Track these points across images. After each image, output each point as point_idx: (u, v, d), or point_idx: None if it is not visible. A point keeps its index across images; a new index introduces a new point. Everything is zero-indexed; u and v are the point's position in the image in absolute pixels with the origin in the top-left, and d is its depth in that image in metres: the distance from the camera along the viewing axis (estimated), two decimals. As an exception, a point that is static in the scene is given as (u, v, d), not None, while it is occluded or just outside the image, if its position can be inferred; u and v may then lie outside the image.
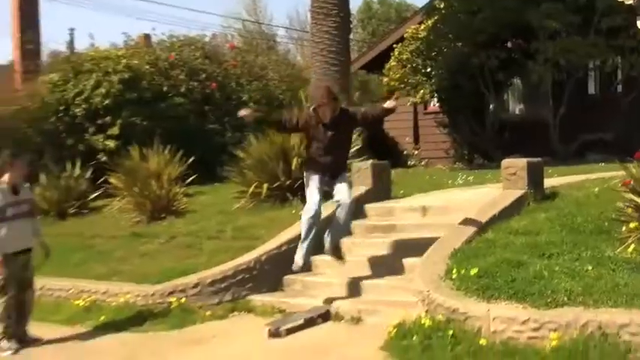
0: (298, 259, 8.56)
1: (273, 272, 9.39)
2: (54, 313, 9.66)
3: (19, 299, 8.38)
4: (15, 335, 8.32)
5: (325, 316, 8.19)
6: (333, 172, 8.55)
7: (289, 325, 7.89)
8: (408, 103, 18.41)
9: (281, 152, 12.12)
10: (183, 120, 16.78)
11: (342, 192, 8.56)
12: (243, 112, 8.84)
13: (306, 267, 8.74)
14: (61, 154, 16.09)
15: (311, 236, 8.51)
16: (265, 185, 11.87)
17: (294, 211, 11.09)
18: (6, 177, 8.36)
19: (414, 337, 6.79)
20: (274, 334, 7.76)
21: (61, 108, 16.47)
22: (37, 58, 20.54)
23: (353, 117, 8.79)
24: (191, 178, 14.12)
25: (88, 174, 15.32)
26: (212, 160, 15.26)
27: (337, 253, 8.90)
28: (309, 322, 8.02)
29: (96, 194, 15.19)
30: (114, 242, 12.03)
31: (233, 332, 8.24)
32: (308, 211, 8.49)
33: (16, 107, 16.51)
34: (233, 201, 12.48)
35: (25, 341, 8.37)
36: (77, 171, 15.28)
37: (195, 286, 9.13)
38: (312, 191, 8.50)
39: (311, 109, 8.64)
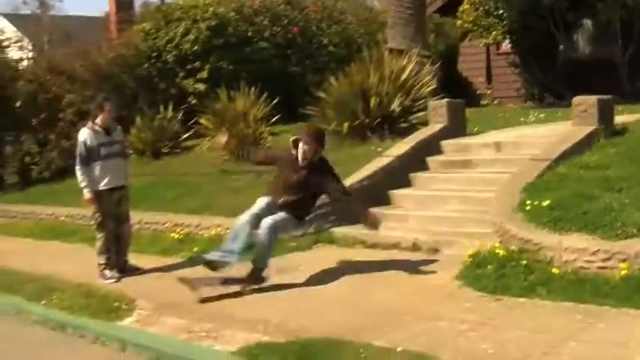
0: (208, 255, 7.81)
1: (356, 206, 9.43)
2: (151, 245, 9.97)
3: (116, 233, 8.64)
4: (116, 266, 8.61)
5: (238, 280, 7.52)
6: (288, 208, 7.65)
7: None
8: (481, 45, 18.08)
9: (360, 92, 12.14)
10: (267, 63, 16.90)
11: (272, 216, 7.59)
12: (222, 139, 9.34)
13: (212, 267, 7.50)
14: (154, 98, 16.41)
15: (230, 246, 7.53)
16: (346, 124, 11.91)
17: (373, 148, 11.14)
18: (99, 119, 8.54)
19: (489, 267, 6.82)
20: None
21: (154, 55, 16.78)
22: (131, 9, 20.79)
23: (327, 171, 7.86)
24: (275, 118, 14.23)
25: (180, 116, 15.61)
26: (294, 101, 15.34)
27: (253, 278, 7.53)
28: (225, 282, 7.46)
29: (187, 135, 15.50)
30: (205, 179, 12.29)
31: (316, 262, 8.32)
32: (236, 221, 7.77)
33: (113, 55, 16.81)
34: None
35: (125, 271, 8.64)
36: (169, 113, 15.57)
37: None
38: (253, 207, 7.76)
39: (292, 145, 7.85)
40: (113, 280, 8.34)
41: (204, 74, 16.13)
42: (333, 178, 7.83)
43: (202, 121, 14.56)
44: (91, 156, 8.39)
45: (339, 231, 9.21)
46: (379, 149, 11.03)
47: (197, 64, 16.34)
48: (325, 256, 8.58)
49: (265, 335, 5.94)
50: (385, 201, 9.69)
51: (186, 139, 15.51)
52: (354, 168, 10.31)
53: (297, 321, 6.26)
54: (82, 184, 8.50)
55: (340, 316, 6.28)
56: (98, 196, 8.48)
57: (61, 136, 15.88)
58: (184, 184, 12.34)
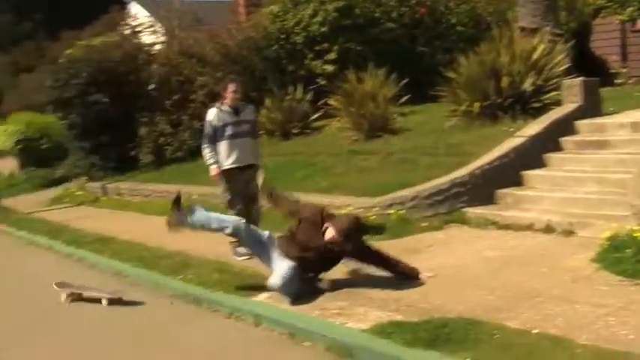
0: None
1: (485, 186, 9.35)
2: (283, 224, 10.06)
3: (245, 213, 8.58)
4: None
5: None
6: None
7: None
8: (616, 21, 17.40)
9: (491, 71, 11.89)
10: (395, 44, 16.80)
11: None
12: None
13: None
14: (283, 79, 16.61)
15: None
16: (477, 104, 11.74)
17: (504, 129, 10.93)
18: (227, 99, 8.66)
19: (627, 250, 6.56)
20: None
21: (282, 36, 16.93)
22: (259, -8, 21.10)
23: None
24: (404, 98, 14.14)
25: (309, 97, 15.73)
26: (423, 81, 15.20)
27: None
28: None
29: (316, 115, 15.63)
30: (334, 159, 12.38)
31: (448, 242, 8.30)
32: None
33: (242, 38, 17.11)
34: (445, 119, 12.46)
35: None
36: (299, 94, 15.73)
37: (413, 198, 9.26)
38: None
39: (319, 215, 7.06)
40: (245, 257, 8.39)
41: (332, 55, 16.19)
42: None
43: (331, 101, 14.65)
44: (216, 135, 8.54)
45: (472, 211, 9.12)
46: (511, 129, 10.79)
47: (325, 45, 16.40)
48: (457, 237, 8.52)
49: (398, 314, 5.94)
50: (518, 182, 9.51)
51: (315, 120, 15.64)
52: (485, 149, 10.17)
53: (429, 300, 6.22)
54: (209, 161, 8.67)
55: (473, 296, 6.21)
56: (225, 175, 8.64)
57: (193, 117, 16.35)
58: (314, 164, 12.47)
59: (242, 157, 8.64)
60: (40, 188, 22.15)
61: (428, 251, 8.02)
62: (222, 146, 8.57)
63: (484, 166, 9.44)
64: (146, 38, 19.78)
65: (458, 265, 7.30)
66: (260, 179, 8.87)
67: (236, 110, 8.66)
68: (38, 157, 24.23)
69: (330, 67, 16.06)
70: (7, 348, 6.75)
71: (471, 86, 12.06)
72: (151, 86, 17.51)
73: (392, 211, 9.25)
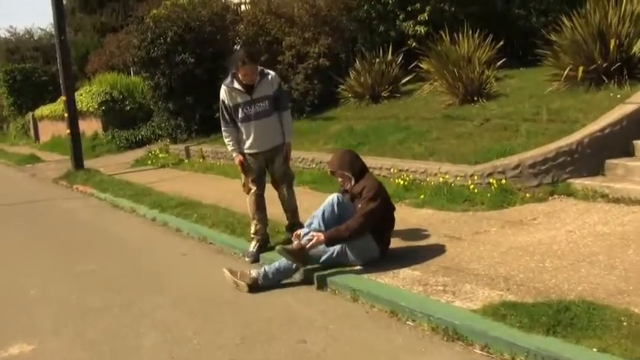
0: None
1: (594, 156, 8.72)
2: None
3: (262, 197, 7.88)
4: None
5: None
6: None
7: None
8: None
9: (598, 33, 11.14)
10: (489, 5, 16.01)
11: None
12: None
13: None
14: (373, 41, 16.07)
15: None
16: (580, 68, 11.02)
17: (611, 94, 10.27)
18: (239, 75, 7.44)
19: None
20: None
21: (373, -5, 16.32)
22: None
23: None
24: (500, 62, 13.47)
25: (400, 59, 15.17)
26: (517, 45, 14.47)
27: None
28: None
29: (407, 79, 15.08)
30: (428, 124, 11.85)
31: (554, 215, 7.73)
32: None
33: (332, -3, 16.58)
34: (545, 84, 11.79)
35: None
36: (389, 56, 15.18)
37: (516, 167, 8.68)
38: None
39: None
40: (248, 259, 7.72)
41: (424, 16, 15.51)
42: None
43: (423, 64, 14.11)
44: (231, 117, 7.58)
45: (578, 182, 8.50)
46: (618, 96, 10.11)
47: (417, 5, 15.70)
48: (563, 209, 7.93)
49: (509, 293, 5.45)
50: (629, 152, 8.86)
51: (405, 83, 15.09)
52: (591, 116, 9.57)
53: (542, 279, 5.71)
54: (229, 148, 7.78)
55: (590, 276, 5.66)
56: (245, 159, 7.72)
57: (281, 78, 15.91)
58: (407, 129, 11.97)
59: (260, 141, 7.61)
60: (123, 150, 22.26)
61: (532, 224, 7.48)
62: (239, 129, 7.62)
63: (593, 134, 8.79)
64: (233, -1, 19.50)
65: (567, 240, 6.74)
66: (282, 166, 7.87)
67: (249, 87, 7.45)
68: (122, 118, 24.29)
69: (421, 29, 15.39)
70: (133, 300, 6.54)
71: (574, 49, 11.33)
72: (238, 46, 17.17)
73: (492, 180, 8.71)
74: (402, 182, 9.58)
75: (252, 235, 7.86)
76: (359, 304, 5.97)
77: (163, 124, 19.77)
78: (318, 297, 6.32)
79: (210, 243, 8.79)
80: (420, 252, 6.88)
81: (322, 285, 6.47)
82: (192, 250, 8.57)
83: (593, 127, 8.92)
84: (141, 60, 18.51)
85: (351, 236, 6.39)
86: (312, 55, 15.86)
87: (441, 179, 9.25)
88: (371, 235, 6.51)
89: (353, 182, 6.75)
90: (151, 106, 20.72)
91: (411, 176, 9.74)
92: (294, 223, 7.96)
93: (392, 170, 10.05)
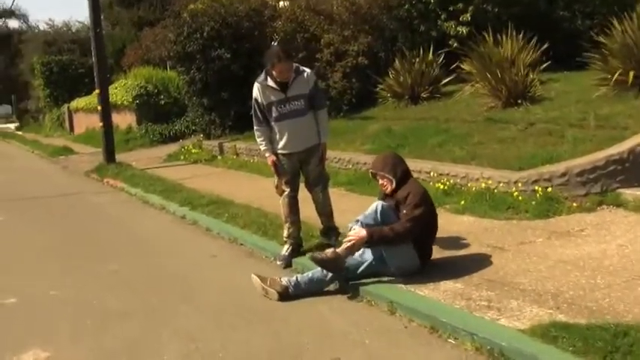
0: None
1: (646, 165, 8.29)
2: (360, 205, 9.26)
3: (295, 200, 7.51)
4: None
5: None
6: None
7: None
8: None
9: (650, 38, 10.70)
10: (533, 7, 15.54)
11: None
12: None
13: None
14: (414, 40, 15.68)
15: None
16: (631, 73, 10.56)
17: (664, 101, 9.81)
18: (274, 72, 7.06)
19: None
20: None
21: (415, -6, 15.91)
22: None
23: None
24: (545, 65, 13.02)
25: (441, 59, 14.77)
26: (561, 48, 13.98)
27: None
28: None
29: (448, 79, 14.68)
30: (469, 126, 11.45)
31: (604, 227, 7.29)
32: None
33: (373, -6, 16.20)
34: (592, 89, 11.34)
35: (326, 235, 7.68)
36: (430, 56, 14.78)
37: (563, 175, 8.25)
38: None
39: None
40: (280, 263, 7.39)
41: (467, 16, 15.06)
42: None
43: (464, 65, 13.70)
44: (265, 115, 7.20)
45: (629, 193, 8.05)
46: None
47: (460, 5, 15.27)
48: (613, 221, 7.49)
49: (559, 312, 5.05)
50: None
51: (446, 84, 14.69)
52: (645, 123, 9.11)
53: (594, 297, 5.30)
54: (261, 148, 7.40)
55: (647, 295, 5.26)
56: (279, 160, 7.36)
57: (318, 77, 15.57)
58: (447, 131, 11.57)
59: (294, 141, 7.23)
60: (157, 144, 22.11)
61: (580, 236, 7.07)
62: (273, 128, 7.24)
63: (647, 145, 8.34)
64: (271, -6, 19.20)
65: (619, 255, 6.31)
66: (317, 167, 7.48)
67: (284, 85, 7.08)
68: (156, 113, 24.15)
69: (463, 29, 14.96)
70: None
71: (625, 53, 10.88)
72: (275, 43, 16.84)
73: (538, 188, 8.28)
74: (441, 186, 9.20)
75: (285, 239, 7.52)
76: (396, 318, 5.60)
77: (197, 120, 19.55)
78: (352, 308, 5.94)
79: (241, 244, 8.48)
80: (462, 263, 6.50)
81: (357, 295, 6.10)
82: (221, 252, 8.26)
83: (647, 138, 8.47)
84: (177, 54, 18.29)
85: (394, 238, 6.01)
86: (351, 53, 15.50)
87: (483, 185, 8.85)
88: (412, 245, 6.13)
89: (394, 185, 6.37)
90: (186, 101, 20.51)
91: (451, 181, 9.36)
92: (330, 228, 7.61)
93: (431, 174, 9.67)
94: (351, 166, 11.70)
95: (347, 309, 5.91)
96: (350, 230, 6.22)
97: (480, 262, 6.45)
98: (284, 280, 6.31)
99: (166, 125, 22.94)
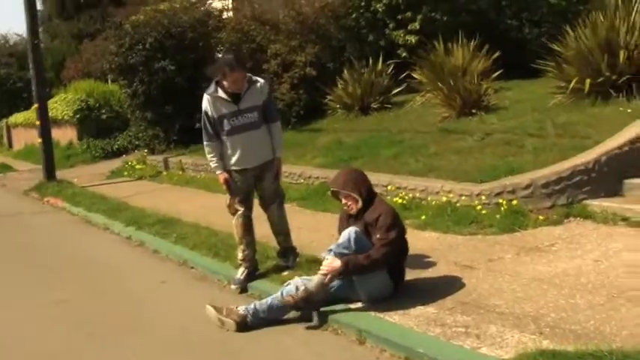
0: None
1: (611, 175, 7.99)
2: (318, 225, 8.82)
3: (249, 218, 6.95)
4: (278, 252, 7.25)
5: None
6: None
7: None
8: None
9: (605, 44, 10.44)
10: (482, 15, 15.31)
11: None
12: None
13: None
14: (362, 50, 15.31)
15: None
16: (588, 80, 10.29)
17: (621, 109, 9.63)
18: (225, 83, 6.56)
19: None
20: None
21: (362, 4, 15.48)
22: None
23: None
24: (497, 73, 12.73)
25: (390, 69, 14.40)
26: (510, 56, 13.72)
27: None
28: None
29: (398, 89, 14.31)
30: (424, 137, 11.06)
31: (574, 241, 6.94)
32: None
33: (320, 5, 15.72)
34: (546, 97, 11.10)
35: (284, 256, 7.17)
36: (379, 66, 14.40)
37: (527, 187, 7.88)
38: None
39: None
40: (234, 287, 6.85)
41: (415, 25, 14.76)
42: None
43: (415, 74, 13.38)
44: (215, 129, 6.66)
45: (596, 204, 7.74)
46: (629, 110, 9.45)
47: (408, 14, 14.97)
48: (582, 234, 7.15)
49: (542, 337, 4.65)
50: (650, 171, 8.11)
51: (396, 94, 14.31)
52: (603, 131, 8.85)
53: (577, 319, 4.92)
54: (212, 165, 6.88)
55: (633, 317, 4.87)
56: (231, 177, 6.81)
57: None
58: (401, 142, 11.16)
59: (248, 156, 6.70)
60: (99, 160, 21.32)
61: (551, 251, 6.71)
62: (224, 143, 6.70)
63: (611, 152, 8.05)
64: (216, 3, 18.61)
65: (595, 271, 5.96)
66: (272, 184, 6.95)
67: (236, 97, 6.57)
68: (98, 127, 23.36)
69: (412, 38, 14.65)
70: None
71: (581, 61, 10.62)
72: (220, 54, 16.30)
73: (501, 201, 7.92)
74: (400, 201, 8.77)
75: (240, 262, 6.98)
76: (367, 348, 5.13)
77: (141, 134, 18.85)
78: (317, 338, 5.45)
79: (192, 267, 7.93)
80: (431, 284, 6.07)
81: (322, 323, 5.61)
82: (172, 276, 7.69)
83: (611, 144, 8.17)
84: (118, 67, 17.59)
85: (370, 266, 5.52)
86: (299, 64, 15.03)
87: (443, 198, 8.46)
88: (385, 270, 5.66)
89: (360, 204, 5.88)
90: (129, 115, 19.80)
91: (410, 194, 8.95)
92: (287, 248, 7.11)
93: (388, 187, 9.23)
94: (302, 181, 11.23)
95: (311, 340, 5.42)
96: (323, 261, 5.69)
97: (450, 282, 6.04)
98: (241, 309, 5.79)
99: (109, 140, 22.18)
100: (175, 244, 8.74)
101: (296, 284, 5.72)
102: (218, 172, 6.86)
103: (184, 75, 16.72)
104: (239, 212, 6.89)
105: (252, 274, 6.91)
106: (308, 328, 5.63)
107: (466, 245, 7.20)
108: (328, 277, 5.53)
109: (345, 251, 5.57)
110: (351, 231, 5.65)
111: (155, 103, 17.11)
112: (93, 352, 5.69)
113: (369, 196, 5.92)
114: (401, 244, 5.80)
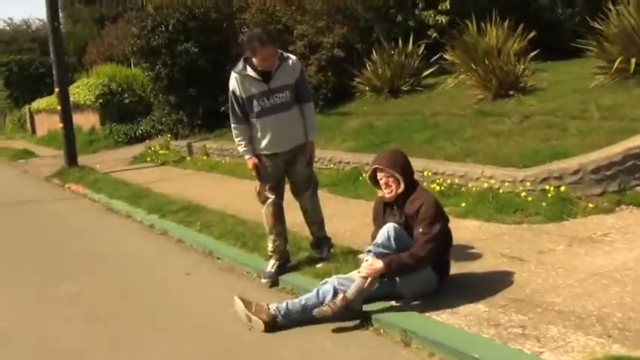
0: None
1: (666, 160, 7.41)
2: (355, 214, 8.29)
3: (280, 207, 6.46)
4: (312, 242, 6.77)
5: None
6: None
7: None
8: None
9: (653, 21, 9.86)
10: (513, -5, 14.69)
11: None
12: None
13: None
14: (390, 31, 14.71)
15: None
16: (633, 60, 9.70)
17: (673, 90, 9.00)
18: (256, 62, 6.01)
19: None
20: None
21: (391, -18, 14.95)
22: None
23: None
24: (533, 53, 12.09)
25: (421, 50, 13.83)
26: (544, 36, 13.09)
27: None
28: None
29: (429, 71, 13.74)
30: (459, 120, 10.52)
31: (629, 231, 6.39)
32: None
33: (347, -16, 15.21)
34: (586, 78, 10.47)
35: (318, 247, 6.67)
36: (409, 47, 13.82)
37: (575, 172, 7.33)
38: None
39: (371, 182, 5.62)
40: (265, 281, 6.37)
41: (446, 4, 14.15)
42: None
43: (447, 56, 12.81)
44: (244, 111, 6.17)
45: (651, 191, 7.19)
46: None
47: (439, -7, 14.40)
48: (638, 222, 6.62)
49: (611, 340, 4.15)
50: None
51: (427, 77, 13.75)
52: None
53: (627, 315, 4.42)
54: (240, 149, 6.35)
55: None
56: (259, 161, 6.31)
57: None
58: (435, 126, 10.62)
59: (279, 140, 6.18)
60: (121, 145, 20.90)
61: (605, 242, 6.17)
62: (254, 125, 6.20)
63: (669, 139, 7.48)
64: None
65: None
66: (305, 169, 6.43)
67: (266, 75, 6.03)
68: (120, 112, 22.92)
69: (443, 18, 14.05)
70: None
71: (625, 39, 10.02)
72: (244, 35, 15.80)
73: (548, 187, 7.37)
74: (437, 187, 8.25)
75: (270, 253, 6.49)
76: (412, 350, 4.62)
77: (164, 119, 18.42)
78: (358, 339, 4.93)
79: (218, 258, 7.46)
80: (478, 278, 5.57)
81: (362, 323, 5.08)
82: (196, 268, 7.21)
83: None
84: (140, 49, 17.14)
85: (416, 265, 5.01)
86: (326, 45, 14.50)
87: (484, 185, 7.92)
88: (430, 265, 5.16)
89: (402, 189, 5.35)
90: (151, 99, 19.36)
91: (448, 181, 8.42)
92: (321, 238, 6.62)
93: (424, 173, 8.70)
94: (332, 166, 10.74)
95: (352, 341, 4.90)
96: (362, 263, 5.16)
97: (500, 276, 5.53)
98: (272, 308, 5.27)
99: (131, 125, 21.74)
100: (200, 232, 8.28)
101: (334, 285, 5.21)
102: (247, 156, 6.35)
103: (208, 57, 16.24)
104: (269, 200, 6.38)
105: (284, 267, 6.43)
106: (346, 328, 5.10)
107: (512, 235, 6.68)
108: (369, 280, 5.00)
109: (386, 251, 5.03)
110: (389, 228, 5.11)
111: (178, 86, 16.66)
112: (110, 351, 5.23)
113: (412, 182, 5.40)
114: (445, 236, 5.28)
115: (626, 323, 4.38)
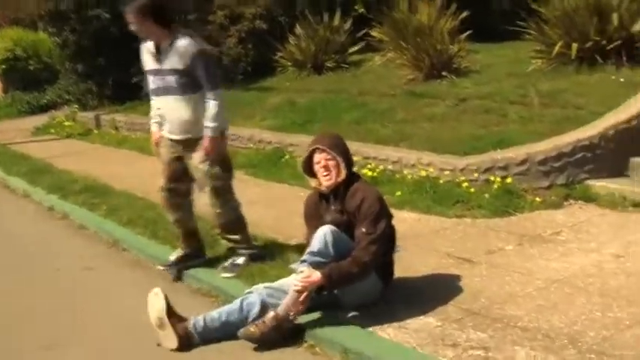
0: None
1: (617, 153, 6.90)
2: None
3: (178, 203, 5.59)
4: None
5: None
6: None
7: None
8: None
9: (595, 6, 9.33)
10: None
11: None
12: None
13: None
14: (315, 3, 13.89)
15: None
16: (575, 45, 9.17)
17: (613, 77, 8.59)
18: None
19: None
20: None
21: (317, -48, 14.13)
22: None
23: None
24: (466, 33, 11.46)
25: (348, 26, 13.06)
26: (475, 18, 12.51)
27: None
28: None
29: (355, 48, 12.98)
30: (389, 101, 9.84)
31: (582, 229, 5.85)
32: None
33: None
34: (523, 62, 9.96)
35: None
36: (336, 22, 13.05)
37: (522, 162, 6.73)
38: None
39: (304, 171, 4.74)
40: (162, 269, 5.68)
41: (375, -22, 13.46)
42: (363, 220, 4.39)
43: (375, 32, 12.09)
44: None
45: (599, 185, 6.68)
46: (621, 79, 8.45)
47: (366, -34, 13.65)
48: (590, 221, 6.10)
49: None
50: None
51: (353, 53, 12.99)
52: (594, 101, 7.88)
53: (624, 340, 3.83)
54: (151, 121, 5.63)
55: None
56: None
57: (210, 41, 13.60)
58: (364, 106, 9.89)
59: (170, 124, 5.37)
60: (25, 114, 19.47)
61: (558, 241, 5.61)
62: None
63: (619, 126, 6.94)
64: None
65: (623, 270, 4.88)
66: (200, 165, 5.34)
67: (158, 50, 5.23)
68: (25, 80, 21.47)
69: (370, -7, 13.32)
70: None
71: (567, 24, 9.48)
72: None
73: (493, 178, 6.75)
74: (369, 173, 7.53)
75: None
76: (354, 372, 3.89)
77: (71, 88, 17.18)
78: (291, 358, 4.16)
79: (124, 249, 6.53)
80: (424, 283, 4.88)
81: (296, 340, 4.26)
82: (100, 262, 6.22)
83: (620, 117, 7.05)
84: (48, 13, 15.86)
85: (360, 273, 4.23)
86: (248, 16, 13.61)
87: (422, 172, 7.23)
88: (374, 271, 4.40)
89: (343, 176, 4.53)
90: (58, 67, 18.07)
91: (380, 166, 7.70)
92: (234, 242, 5.62)
93: (355, 158, 7.92)
94: (252, 145, 9.91)
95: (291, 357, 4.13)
96: (296, 274, 4.30)
97: (449, 281, 4.85)
98: (190, 323, 4.39)
99: (37, 94, 20.35)
100: (105, 218, 7.32)
101: (261, 298, 4.36)
102: (153, 129, 5.56)
103: (119, 25, 15.05)
104: (160, 184, 5.55)
105: (191, 259, 5.59)
106: (275, 344, 4.22)
107: (455, 230, 6.04)
108: (304, 294, 4.21)
109: (323, 260, 4.22)
110: (326, 232, 4.28)
111: (87, 54, 15.45)
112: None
113: (352, 172, 4.62)
114: (390, 235, 4.54)
115: (602, 345, 3.76)
